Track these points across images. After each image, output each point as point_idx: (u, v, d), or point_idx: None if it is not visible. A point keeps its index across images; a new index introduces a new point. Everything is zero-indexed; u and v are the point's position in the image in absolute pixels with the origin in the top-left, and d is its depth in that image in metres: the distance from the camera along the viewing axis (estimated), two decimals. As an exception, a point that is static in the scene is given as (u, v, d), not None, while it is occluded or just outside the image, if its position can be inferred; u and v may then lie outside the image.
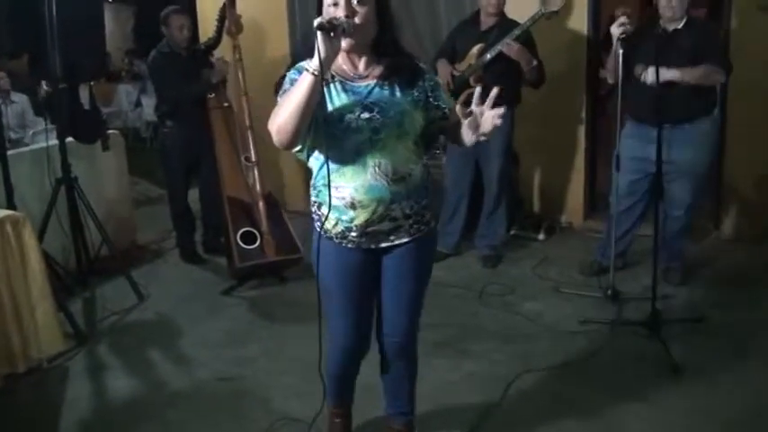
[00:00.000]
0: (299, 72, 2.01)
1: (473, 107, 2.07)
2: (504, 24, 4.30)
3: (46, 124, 4.48)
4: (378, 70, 2.14)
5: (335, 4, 2.02)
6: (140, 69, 10.79)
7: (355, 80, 2.14)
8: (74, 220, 4.21)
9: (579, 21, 4.95)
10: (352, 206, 2.12)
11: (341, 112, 2.08)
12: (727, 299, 3.92)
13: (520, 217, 5.18)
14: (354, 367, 2.52)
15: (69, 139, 4.22)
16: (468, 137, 2.10)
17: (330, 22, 1.90)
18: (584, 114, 5.13)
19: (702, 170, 3.91)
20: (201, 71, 4.61)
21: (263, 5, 5.82)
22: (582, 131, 5.16)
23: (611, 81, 3.98)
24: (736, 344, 3.39)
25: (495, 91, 2.02)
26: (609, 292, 3.89)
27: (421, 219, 2.23)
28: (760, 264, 4.40)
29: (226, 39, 4.66)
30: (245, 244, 4.19)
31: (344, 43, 2.00)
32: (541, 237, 5.07)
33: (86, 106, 4.41)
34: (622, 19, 3.63)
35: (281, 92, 2.10)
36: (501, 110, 2.02)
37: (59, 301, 3.58)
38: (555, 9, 4.19)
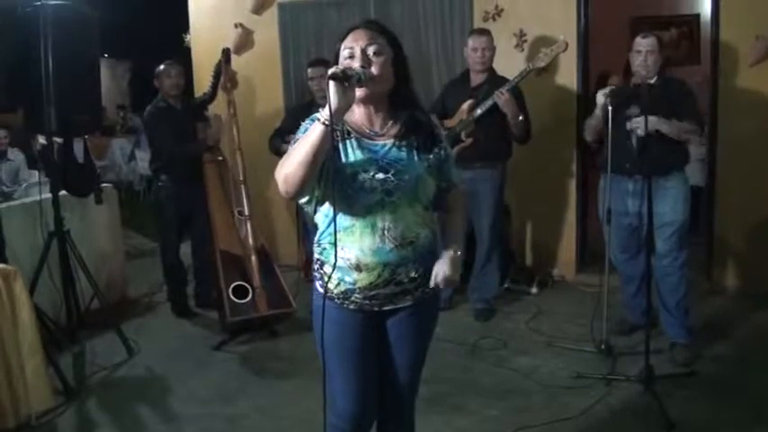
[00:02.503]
0: (313, 122, 1.95)
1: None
2: (494, 80, 4.37)
3: (40, 177, 4.48)
4: (395, 129, 2.10)
5: (351, 57, 2.00)
6: (134, 123, 10.93)
7: (372, 138, 2.09)
8: (65, 274, 4.18)
9: (569, 77, 5.06)
10: (357, 268, 2.05)
11: (355, 170, 2.02)
12: (719, 353, 3.91)
13: (512, 270, 5.19)
14: None
15: (62, 192, 4.23)
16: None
17: (344, 71, 1.86)
18: (574, 168, 5.19)
19: (680, 219, 3.83)
20: (197, 125, 4.66)
21: (257, 62, 5.92)
22: (573, 185, 5.22)
23: (588, 139, 4.10)
24: (731, 399, 3.37)
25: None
26: (602, 346, 3.88)
27: (426, 282, 2.13)
28: (752, 317, 4.40)
29: (220, 94, 4.72)
30: (236, 298, 4.17)
31: (360, 92, 1.97)
32: (534, 290, 5.08)
33: (80, 160, 4.43)
34: (606, 90, 3.71)
35: (293, 141, 2.04)
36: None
37: (49, 356, 3.54)
38: (542, 65, 4.27)
